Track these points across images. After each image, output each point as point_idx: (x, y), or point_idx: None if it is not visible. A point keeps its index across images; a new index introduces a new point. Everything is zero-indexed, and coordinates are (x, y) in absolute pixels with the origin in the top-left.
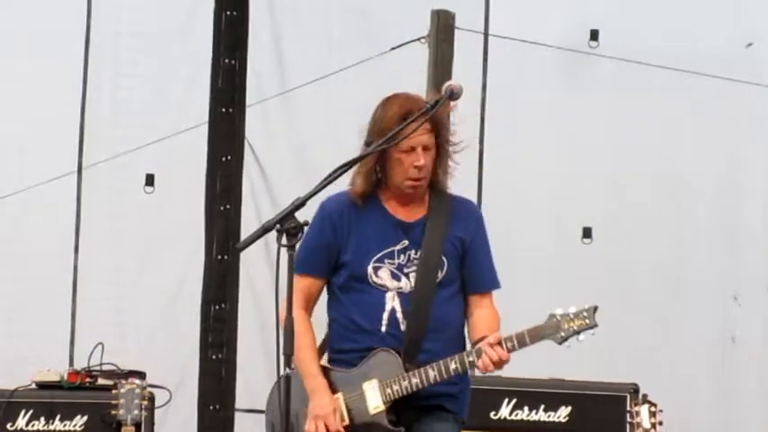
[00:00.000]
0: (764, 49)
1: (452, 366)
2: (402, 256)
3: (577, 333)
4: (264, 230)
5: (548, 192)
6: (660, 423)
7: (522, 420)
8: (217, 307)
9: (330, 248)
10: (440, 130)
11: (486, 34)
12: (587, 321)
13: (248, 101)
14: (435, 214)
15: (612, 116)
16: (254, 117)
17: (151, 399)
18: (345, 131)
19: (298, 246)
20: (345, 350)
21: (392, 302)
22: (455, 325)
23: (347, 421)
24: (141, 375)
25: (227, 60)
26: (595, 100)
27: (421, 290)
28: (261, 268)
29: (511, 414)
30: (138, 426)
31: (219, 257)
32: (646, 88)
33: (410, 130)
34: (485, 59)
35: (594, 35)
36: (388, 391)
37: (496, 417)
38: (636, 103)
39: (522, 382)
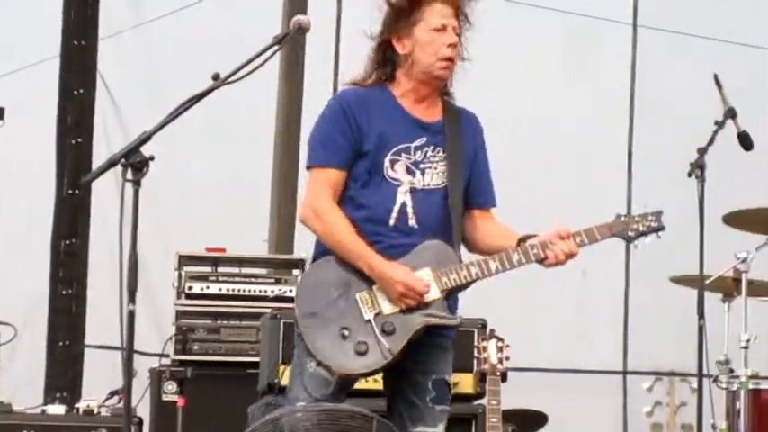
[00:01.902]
0: None
1: (515, 258)
2: (419, 152)
3: (645, 234)
4: (110, 164)
5: None
6: (507, 358)
7: None
8: (67, 242)
9: (354, 137)
10: (462, 23)
11: None
12: (655, 224)
13: (101, 34)
14: (450, 120)
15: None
16: (107, 50)
17: None
18: (200, 64)
19: (311, 138)
20: None
21: (404, 197)
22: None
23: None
24: None
25: None
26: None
27: (454, 191)
28: (112, 203)
29: None
30: None
31: (70, 192)
32: (494, 25)
33: (255, 65)
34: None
35: None
36: (444, 279)
37: None
38: (486, 41)
39: None
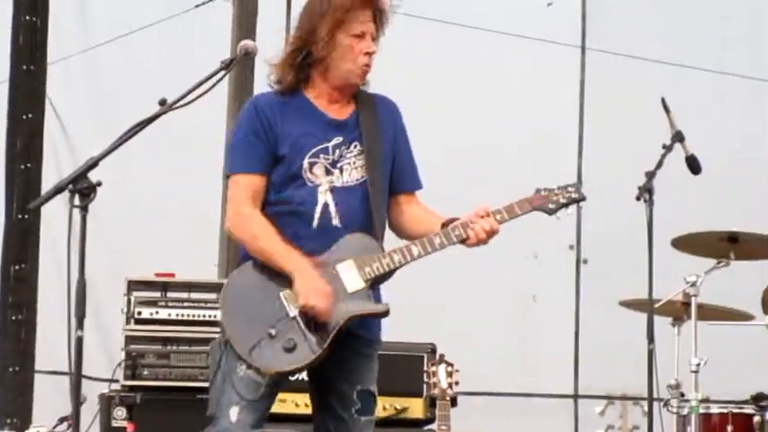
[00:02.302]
0: (564, 7)
1: (437, 241)
2: (336, 151)
3: (566, 205)
4: (57, 190)
5: None
6: (457, 383)
7: None
8: (17, 267)
9: (269, 142)
10: (380, 25)
11: None
12: (574, 195)
13: (50, 58)
14: (365, 111)
15: (413, 75)
16: (55, 75)
17: None
18: (149, 88)
19: (230, 146)
20: None
21: (325, 197)
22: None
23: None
24: None
25: (27, 17)
26: (397, 60)
27: (375, 182)
28: (62, 228)
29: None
30: None
31: (20, 217)
32: (445, 48)
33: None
34: (288, 19)
35: None
36: (368, 269)
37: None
38: (436, 63)
39: None
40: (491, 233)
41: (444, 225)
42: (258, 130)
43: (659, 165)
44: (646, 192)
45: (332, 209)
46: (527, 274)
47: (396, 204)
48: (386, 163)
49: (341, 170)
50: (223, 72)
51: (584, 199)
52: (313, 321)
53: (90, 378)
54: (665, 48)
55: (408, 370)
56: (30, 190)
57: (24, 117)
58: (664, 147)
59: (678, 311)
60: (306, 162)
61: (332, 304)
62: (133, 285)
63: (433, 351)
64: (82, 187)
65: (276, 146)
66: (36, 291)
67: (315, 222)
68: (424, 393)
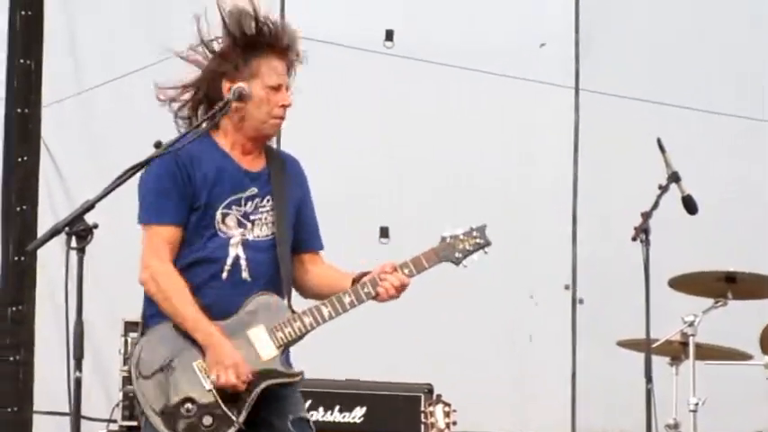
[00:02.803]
0: (556, 49)
1: (347, 300)
2: (249, 203)
3: (472, 252)
4: (54, 233)
5: (344, 191)
6: (454, 423)
7: (317, 421)
8: (14, 308)
9: (187, 192)
10: (292, 75)
11: None
12: (480, 241)
13: (44, 101)
14: (275, 167)
15: (407, 116)
16: (50, 117)
17: None
18: (142, 132)
19: (142, 194)
20: None
21: (236, 249)
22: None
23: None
24: None
25: (22, 60)
26: (389, 100)
27: (282, 241)
28: (59, 269)
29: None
30: None
31: (16, 259)
32: (440, 89)
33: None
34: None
35: (389, 35)
36: (280, 335)
37: None
38: (430, 104)
39: (317, 383)
40: (401, 288)
41: (354, 281)
42: (175, 178)
43: (655, 205)
44: (642, 232)
45: (242, 262)
46: (523, 314)
47: (300, 263)
48: (292, 221)
49: (253, 224)
50: (217, 114)
51: (489, 244)
52: (228, 393)
53: (89, 419)
54: (657, 88)
55: (405, 410)
56: (26, 232)
57: (20, 159)
58: (660, 187)
59: (676, 351)
60: (219, 213)
61: (246, 376)
62: (130, 326)
63: (430, 391)
64: (78, 229)
65: (193, 196)
66: (33, 332)
67: (224, 275)
68: None
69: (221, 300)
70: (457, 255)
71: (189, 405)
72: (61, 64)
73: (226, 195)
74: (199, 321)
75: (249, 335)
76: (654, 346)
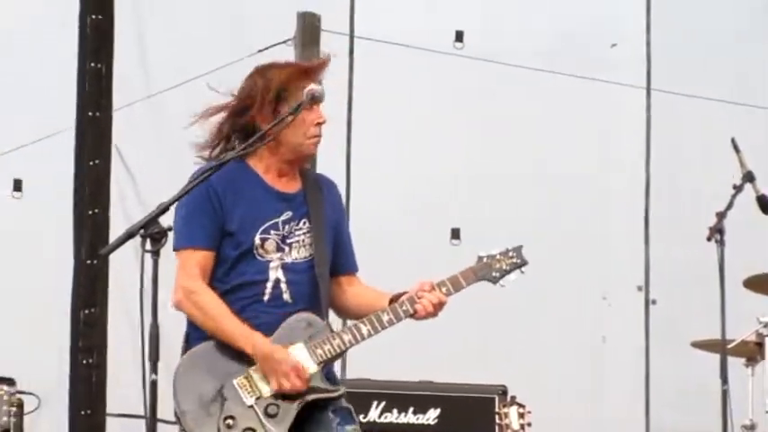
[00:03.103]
0: (628, 49)
1: (385, 318)
2: (286, 227)
3: (509, 272)
4: (128, 236)
5: (415, 193)
6: (529, 424)
7: (391, 423)
8: (86, 311)
9: (218, 218)
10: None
11: (351, 36)
12: (516, 261)
13: (115, 104)
14: (311, 189)
15: (478, 117)
16: (121, 121)
17: (20, 405)
18: None
19: (176, 220)
20: None
21: (276, 273)
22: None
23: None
24: (10, 382)
25: (93, 64)
26: (460, 101)
27: (321, 262)
28: (131, 272)
29: (380, 417)
30: None
31: (89, 262)
32: (512, 89)
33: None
34: (351, 61)
35: (459, 36)
36: (319, 351)
37: (366, 420)
38: (502, 104)
39: (392, 385)
40: (439, 306)
41: (392, 301)
42: (206, 205)
43: (730, 205)
44: (717, 232)
45: (282, 285)
46: (596, 315)
47: (337, 285)
48: (330, 242)
49: (290, 246)
50: (289, 116)
51: (525, 263)
52: (272, 407)
53: (163, 421)
54: (729, 87)
55: (479, 412)
56: (98, 235)
57: (91, 163)
58: (734, 187)
59: (752, 352)
60: (258, 238)
61: (307, 375)
62: None
63: (504, 393)
64: (153, 232)
65: (225, 221)
66: (106, 335)
67: (266, 297)
68: None
69: (264, 321)
70: (494, 274)
71: (230, 422)
72: (132, 67)
73: (262, 221)
74: (243, 332)
75: (290, 352)
76: (729, 346)
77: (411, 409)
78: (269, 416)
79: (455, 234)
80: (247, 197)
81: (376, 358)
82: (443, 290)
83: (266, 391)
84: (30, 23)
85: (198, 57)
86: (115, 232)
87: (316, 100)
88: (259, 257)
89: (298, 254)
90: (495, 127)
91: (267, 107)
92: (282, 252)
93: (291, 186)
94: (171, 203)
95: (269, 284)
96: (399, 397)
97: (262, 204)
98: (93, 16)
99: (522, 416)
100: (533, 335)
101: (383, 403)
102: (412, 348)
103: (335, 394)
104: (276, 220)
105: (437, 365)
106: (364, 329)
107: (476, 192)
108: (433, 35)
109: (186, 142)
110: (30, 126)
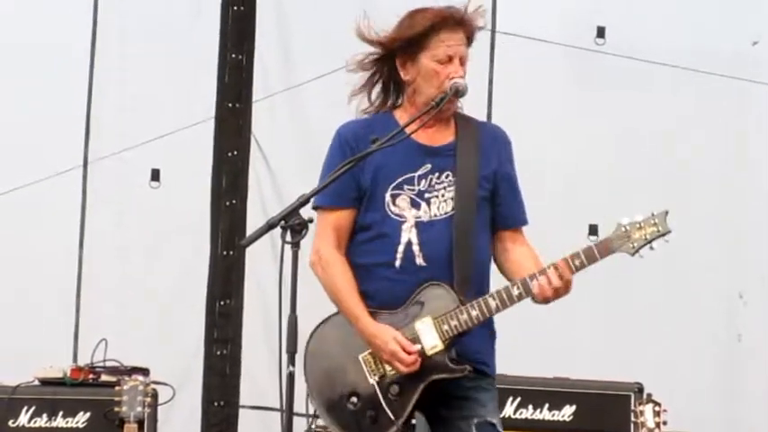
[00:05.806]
0: None
1: (515, 292)
2: (423, 181)
3: (650, 241)
4: (269, 227)
5: (554, 189)
6: (664, 423)
7: (526, 419)
8: (222, 302)
9: (354, 174)
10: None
11: (493, 31)
12: (659, 228)
13: (255, 96)
14: (465, 140)
15: (619, 114)
16: (260, 112)
17: (154, 395)
18: None
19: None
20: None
21: (408, 234)
22: (487, 261)
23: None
24: (145, 372)
25: (233, 55)
26: (602, 97)
27: (461, 219)
28: (267, 264)
29: (515, 413)
30: (140, 423)
31: (225, 253)
32: (652, 86)
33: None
34: (491, 56)
35: (601, 32)
36: (445, 327)
37: (501, 416)
38: (642, 102)
39: (527, 381)
40: (567, 284)
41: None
42: (341, 160)
43: None
44: None
45: (415, 248)
46: (732, 313)
47: (499, 242)
48: (479, 196)
49: (428, 202)
50: (433, 109)
51: (669, 232)
52: (394, 387)
53: (297, 414)
54: None
55: (615, 409)
56: (235, 226)
57: (229, 154)
58: None
59: None
60: (389, 195)
61: (412, 359)
62: None
63: (641, 390)
64: (294, 224)
65: (359, 177)
66: (241, 326)
67: (398, 263)
68: None
69: (393, 287)
70: (632, 244)
71: (354, 399)
72: (272, 58)
73: (395, 176)
74: (354, 313)
75: (416, 327)
76: None
77: (546, 406)
78: (390, 396)
79: (593, 230)
80: (383, 150)
81: (511, 353)
82: (576, 262)
83: (390, 369)
84: (166, 12)
85: (338, 49)
86: (252, 223)
87: (459, 94)
88: (391, 215)
89: (437, 210)
90: (636, 124)
91: (407, 55)
92: (417, 209)
93: (439, 138)
94: (312, 195)
95: (400, 248)
96: (535, 393)
97: (397, 158)
98: (235, 7)
99: (657, 414)
100: (669, 332)
101: (518, 399)
102: (547, 344)
103: (458, 375)
104: (411, 175)
105: (572, 361)
106: (492, 304)
107: (614, 189)
108: (574, 31)
109: (325, 134)
110: (168, 116)
